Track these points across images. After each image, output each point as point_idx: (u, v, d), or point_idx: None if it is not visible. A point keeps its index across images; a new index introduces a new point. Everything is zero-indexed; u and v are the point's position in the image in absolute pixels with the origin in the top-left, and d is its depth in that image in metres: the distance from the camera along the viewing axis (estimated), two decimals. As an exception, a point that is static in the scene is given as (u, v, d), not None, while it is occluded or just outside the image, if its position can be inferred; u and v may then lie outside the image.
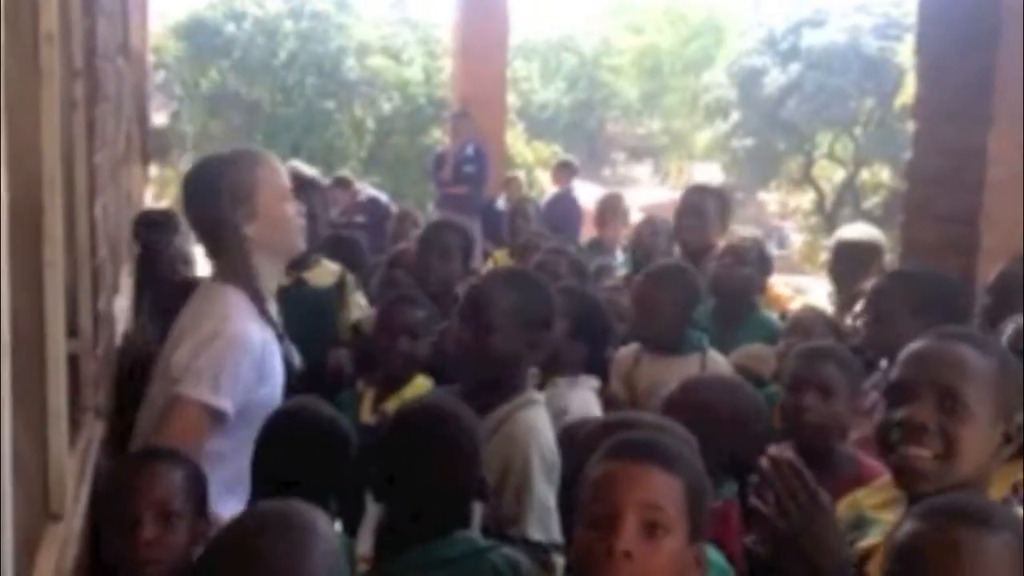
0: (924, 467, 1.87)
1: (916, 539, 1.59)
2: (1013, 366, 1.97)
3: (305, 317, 3.72)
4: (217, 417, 2.64)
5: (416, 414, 2.40)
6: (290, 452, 2.50)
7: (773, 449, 1.86)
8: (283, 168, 2.92)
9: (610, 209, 7.19)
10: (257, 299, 2.77)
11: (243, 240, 2.75)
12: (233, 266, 2.78)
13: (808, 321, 3.99)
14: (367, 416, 3.44)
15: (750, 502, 1.88)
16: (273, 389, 2.80)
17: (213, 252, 2.84)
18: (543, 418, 2.76)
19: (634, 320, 3.91)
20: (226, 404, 2.63)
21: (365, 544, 2.55)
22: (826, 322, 4.02)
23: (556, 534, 2.58)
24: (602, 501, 1.76)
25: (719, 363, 3.75)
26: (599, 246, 6.94)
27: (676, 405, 2.81)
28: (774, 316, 4.51)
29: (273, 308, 2.88)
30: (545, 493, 2.61)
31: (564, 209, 9.52)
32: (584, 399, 3.32)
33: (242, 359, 2.66)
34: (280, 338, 2.88)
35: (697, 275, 4.05)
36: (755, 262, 4.47)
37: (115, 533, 2.30)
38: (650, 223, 5.60)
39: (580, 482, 1.86)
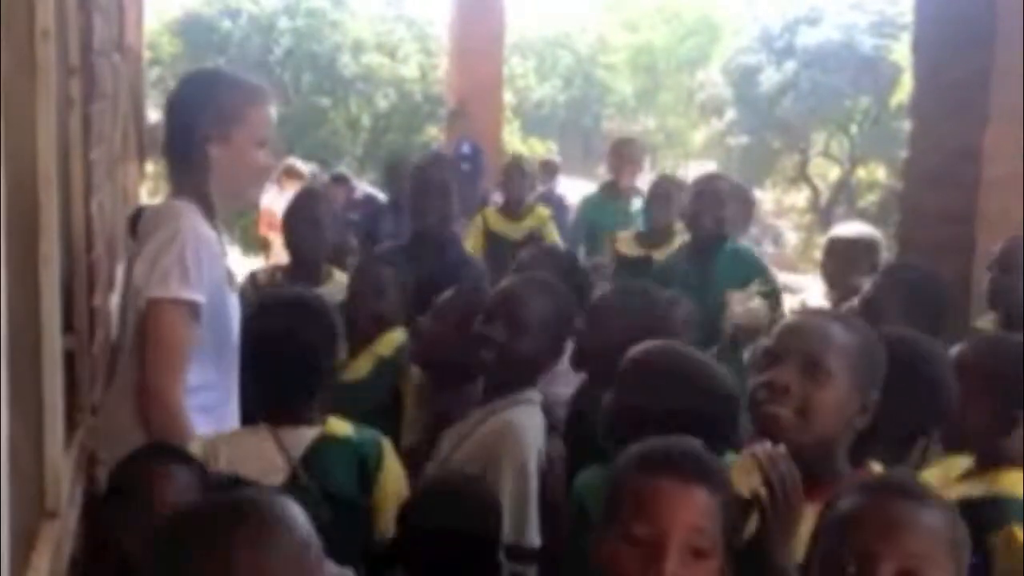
0: (783, 424, 2.05)
1: (856, 512, 1.68)
2: (876, 346, 2.16)
3: None
4: (193, 311, 2.61)
5: (441, 491, 2.47)
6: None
7: (768, 446, 1.96)
8: (273, 118, 2.89)
9: (622, 155, 7.19)
10: (210, 214, 2.73)
11: (205, 157, 2.71)
12: (191, 180, 2.74)
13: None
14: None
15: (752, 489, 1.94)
16: (234, 308, 2.78)
17: (175, 159, 2.79)
18: (532, 417, 2.79)
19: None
20: (198, 296, 2.61)
21: None
22: None
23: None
24: (647, 522, 1.72)
25: None
26: (614, 190, 7.12)
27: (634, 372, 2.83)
28: (750, 249, 4.61)
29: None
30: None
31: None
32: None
33: (204, 254, 2.64)
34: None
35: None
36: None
37: (129, 535, 2.25)
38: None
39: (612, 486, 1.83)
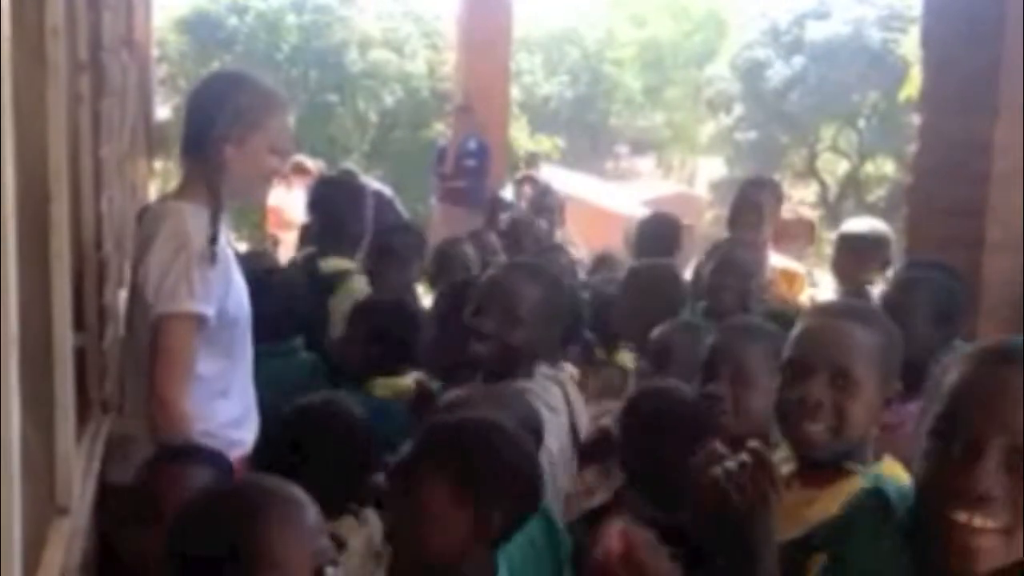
0: (818, 439, 2.09)
1: (969, 381, 1.56)
2: (895, 337, 2.18)
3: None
4: (200, 323, 2.67)
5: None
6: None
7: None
8: (290, 127, 2.92)
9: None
10: (217, 212, 2.75)
11: (221, 156, 2.74)
12: (203, 177, 2.76)
13: None
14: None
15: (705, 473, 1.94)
16: (239, 306, 2.83)
17: (189, 155, 2.82)
18: (546, 390, 2.80)
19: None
20: (206, 309, 2.67)
21: None
22: None
23: None
24: None
25: None
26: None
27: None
28: None
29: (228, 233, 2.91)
30: None
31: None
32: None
33: (208, 269, 2.67)
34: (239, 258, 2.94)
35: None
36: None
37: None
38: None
39: None
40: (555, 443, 2.67)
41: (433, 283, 4.80)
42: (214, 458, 2.38)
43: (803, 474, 2.12)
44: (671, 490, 2.51)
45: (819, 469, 2.10)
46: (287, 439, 2.70)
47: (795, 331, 2.19)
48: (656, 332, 3.28)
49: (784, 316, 3.68)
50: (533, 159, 11.48)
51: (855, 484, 2.06)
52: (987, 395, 1.53)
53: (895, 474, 2.13)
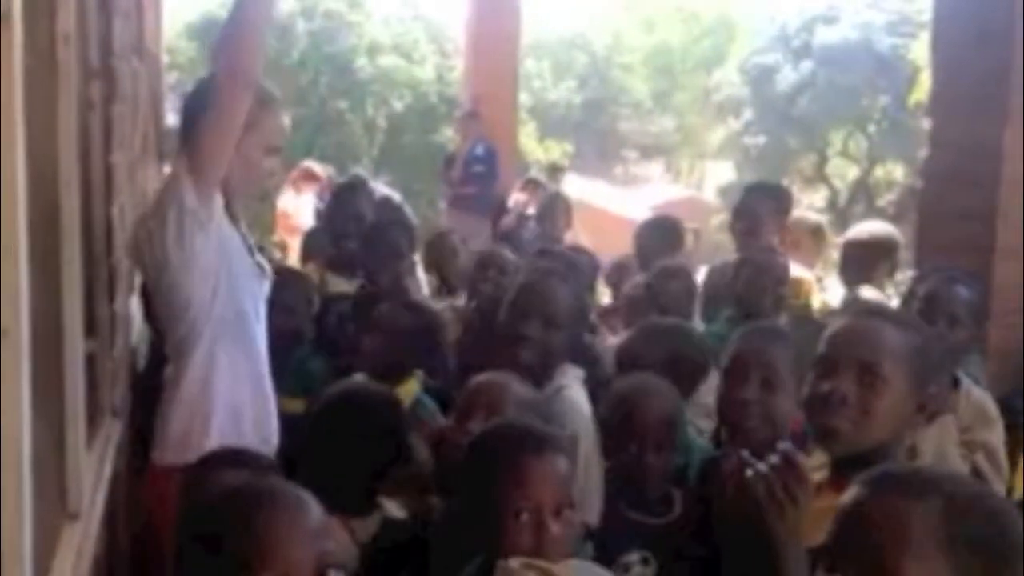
0: (841, 433, 2.11)
1: (855, 506, 1.65)
2: (930, 343, 2.23)
3: None
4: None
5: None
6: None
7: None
8: (284, 126, 2.97)
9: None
10: (232, 213, 2.80)
11: None
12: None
13: None
14: None
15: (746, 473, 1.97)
16: (252, 299, 2.85)
17: (185, 145, 2.84)
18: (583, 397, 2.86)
19: None
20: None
21: None
22: None
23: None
24: None
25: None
26: None
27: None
28: None
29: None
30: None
31: None
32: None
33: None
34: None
35: None
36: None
37: None
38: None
39: None
40: (587, 441, 2.71)
41: (472, 287, 4.71)
42: (258, 461, 2.39)
43: (833, 480, 2.14)
44: (653, 493, 2.58)
45: (849, 474, 2.03)
46: (314, 431, 2.66)
47: (829, 329, 2.23)
48: (624, 338, 3.30)
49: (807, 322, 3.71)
50: (554, 171, 11.37)
51: None
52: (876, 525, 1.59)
53: None
